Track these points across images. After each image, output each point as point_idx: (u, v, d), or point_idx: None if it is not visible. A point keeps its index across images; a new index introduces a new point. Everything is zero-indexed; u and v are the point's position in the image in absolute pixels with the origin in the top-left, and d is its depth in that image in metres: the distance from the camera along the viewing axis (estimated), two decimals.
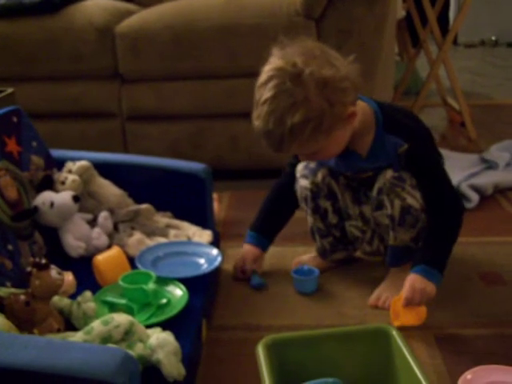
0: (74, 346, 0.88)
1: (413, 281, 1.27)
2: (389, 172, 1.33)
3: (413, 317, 1.27)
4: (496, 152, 2.24)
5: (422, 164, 1.33)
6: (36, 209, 1.41)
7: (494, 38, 5.44)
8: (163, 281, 1.29)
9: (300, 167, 1.48)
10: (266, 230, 1.53)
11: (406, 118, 1.37)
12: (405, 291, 1.26)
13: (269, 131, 1.20)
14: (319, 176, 1.44)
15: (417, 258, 1.31)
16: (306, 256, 1.57)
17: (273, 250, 1.59)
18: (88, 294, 1.17)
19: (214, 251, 1.43)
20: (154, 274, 1.26)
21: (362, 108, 1.31)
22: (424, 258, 1.30)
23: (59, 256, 1.40)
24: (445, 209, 1.33)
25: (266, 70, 1.21)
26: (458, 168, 2.05)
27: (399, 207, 1.32)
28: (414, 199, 1.32)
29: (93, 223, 1.50)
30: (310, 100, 1.17)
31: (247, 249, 1.52)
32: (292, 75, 1.17)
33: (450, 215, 1.34)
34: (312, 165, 1.45)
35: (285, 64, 1.18)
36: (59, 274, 1.13)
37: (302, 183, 1.47)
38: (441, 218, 1.33)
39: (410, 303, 1.25)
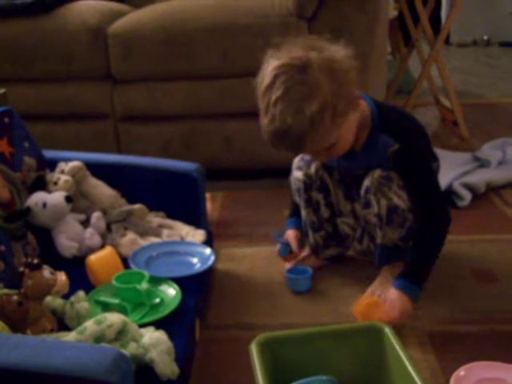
0: (67, 346, 0.87)
1: (400, 301, 1.26)
2: (377, 171, 1.33)
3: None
4: (488, 150, 2.25)
5: (411, 166, 1.32)
6: (28, 209, 1.41)
7: (486, 38, 5.45)
8: (156, 280, 1.29)
9: (296, 159, 1.49)
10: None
11: (403, 119, 1.38)
12: (392, 312, 1.25)
13: (287, 129, 1.17)
14: (312, 168, 1.45)
15: (401, 271, 1.32)
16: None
17: (266, 249, 1.59)
18: (81, 293, 1.17)
19: (207, 251, 1.43)
20: (147, 274, 1.26)
21: (360, 104, 1.31)
22: (407, 272, 1.30)
23: (52, 256, 1.40)
24: (431, 219, 1.33)
25: (269, 72, 1.20)
26: (451, 166, 2.05)
27: (386, 207, 1.32)
28: (400, 200, 1.32)
29: (86, 223, 1.49)
30: (322, 86, 1.16)
31: (290, 233, 1.54)
32: (298, 67, 1.17)
33: (437, 226, 1.34)
34: (307, 157, 1.45)
35: (288, 59, 1.18)
36: (52, 273, 1.13)
37: (296, 175, 1.48)
38: (427, 229, 1.33)
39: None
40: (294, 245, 1.50)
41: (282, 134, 1.19)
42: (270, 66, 1.20)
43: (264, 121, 1.21)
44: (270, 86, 1.18)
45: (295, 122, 1.16)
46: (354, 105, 1.24)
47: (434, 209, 1.34)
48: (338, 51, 1.21)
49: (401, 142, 1.30)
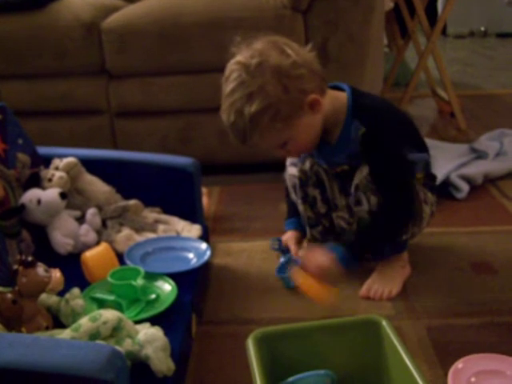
0: (61, 344, 0.87)
1: (319, 254, 1.29)
2: (365, 169, 1.30)
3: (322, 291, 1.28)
4: (485, 142, 2.24)
5: (377, 150, 1.29)
6: (23, 206, 1.40)
7: (483, 29, 5.44)
8: (152, 276, 1.28)
9: None
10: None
11: (376, 104, 1.34)
12: (309, 264, 1.29)
13: (232, 124, 1.25)
14: (307, 164, 1.44)
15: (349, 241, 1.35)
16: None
17: (263, 243, 1.59)
18: (76, 290, 1.16)
19: (203, 246, 1.42)
20: (142, 270, 1.25)
21: (336, 97, 1.31)
22: (351, 243, 1.33)
23: (47, 253, 1.39)
24: (389, 209, 1.30)
25: (228, 65, 1.26)
26: (448, 158, 2.04)
27: (376, 203, 1.30)
28: None
29: (81, 220, 1.48)
30: (266, 89, 1.20)
31: (289, 234, 1.53)
32: (246, 67, 1.22)
33: (392, 218, 1.31)
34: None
35: (241, 58, 1.23)
36: (46, 271, 1.12)
37: (291, 171, 1.47)
38: (382, 215, 1.31)
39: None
40: (292, 248, 1.49)
41: (228, 126, 1.27)
42: (233, 60, 1.25)
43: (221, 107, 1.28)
44: (226, 79, 1.26)
45: (236, 120, 1.24)
46: (305, 111, 1.25)
47: (395, 198, 1.30)
48: (293, 57, 1.22)
49: (368, 125, 1.28)
